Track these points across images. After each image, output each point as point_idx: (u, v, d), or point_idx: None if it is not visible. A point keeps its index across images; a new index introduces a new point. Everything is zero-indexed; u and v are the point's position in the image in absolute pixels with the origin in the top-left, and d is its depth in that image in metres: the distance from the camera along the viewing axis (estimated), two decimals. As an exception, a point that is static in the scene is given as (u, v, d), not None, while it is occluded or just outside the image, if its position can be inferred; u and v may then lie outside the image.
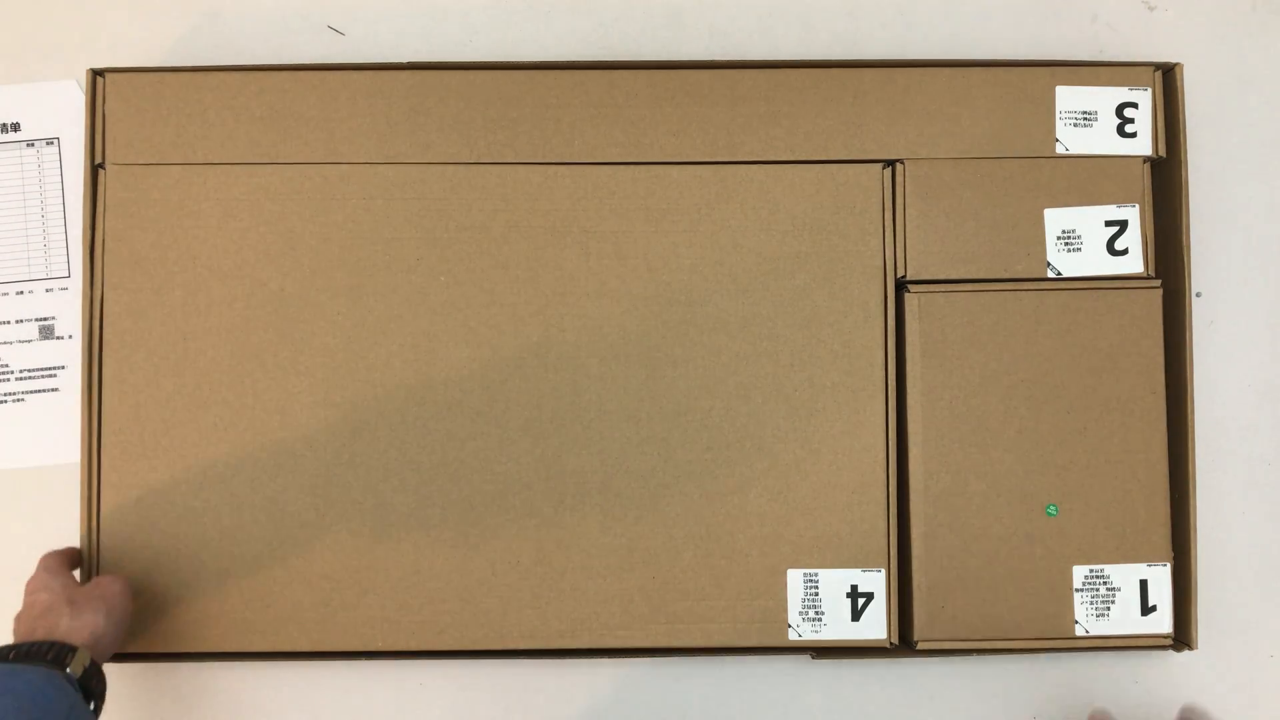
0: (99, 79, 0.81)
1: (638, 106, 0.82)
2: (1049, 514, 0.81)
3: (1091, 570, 0.81)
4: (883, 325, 0.82)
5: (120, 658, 0.80)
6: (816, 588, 0.81)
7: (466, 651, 0.81)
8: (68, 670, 0.68)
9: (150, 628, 0.80)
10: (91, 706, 0.70)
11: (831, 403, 0.82)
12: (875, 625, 0.81)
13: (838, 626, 0.81)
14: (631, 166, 0.82)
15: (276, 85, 0.82)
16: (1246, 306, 0.89)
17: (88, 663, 0.70)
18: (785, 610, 0.81)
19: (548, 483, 0.81)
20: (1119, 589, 0.81)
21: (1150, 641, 0.82)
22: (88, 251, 0.81)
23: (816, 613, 0.81)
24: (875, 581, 0.81)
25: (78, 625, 0.72)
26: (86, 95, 0.81)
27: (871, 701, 0.85)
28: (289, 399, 0.81)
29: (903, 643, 0.82)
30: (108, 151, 0.81)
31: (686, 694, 0.85)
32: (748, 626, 0.81)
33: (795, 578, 0.81)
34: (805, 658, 0.84)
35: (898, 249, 0.82)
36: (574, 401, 0.81)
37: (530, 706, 0.85)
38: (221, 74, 0.82)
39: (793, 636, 0.81)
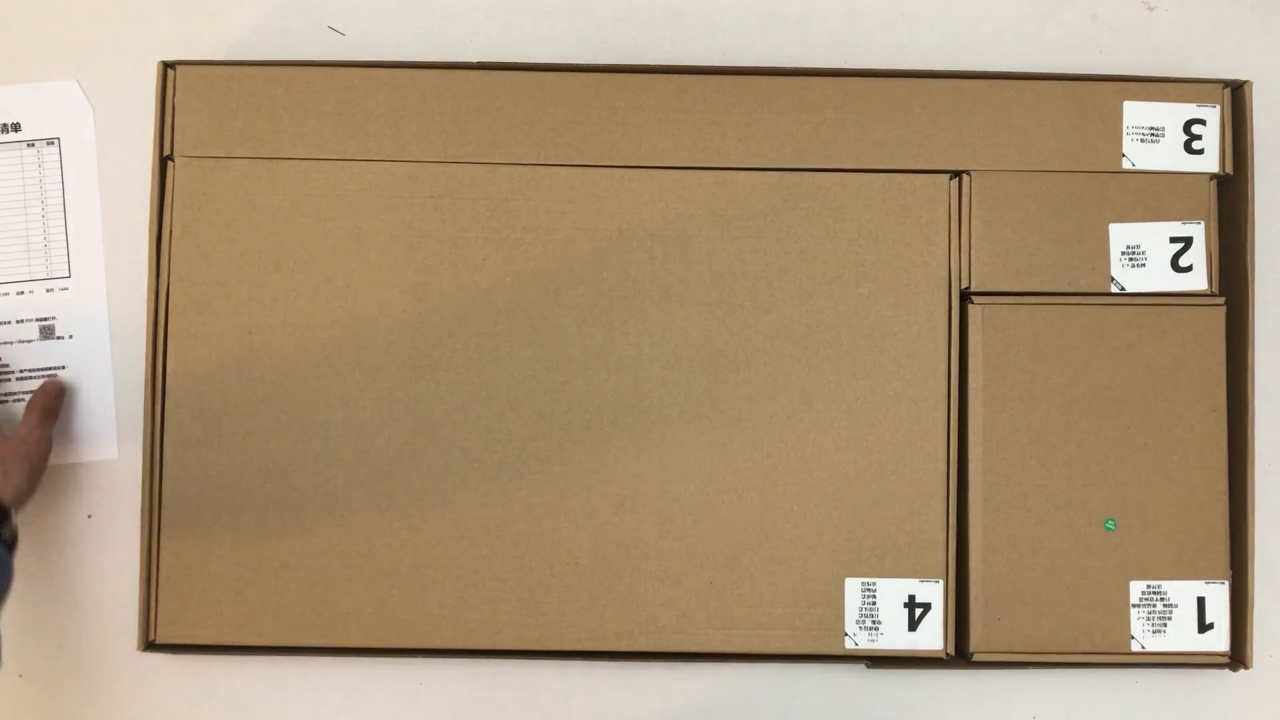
0: (170, 71, 0.81)
1: (705, 111, 0.82)
2: (1107, 529, 0.81)
3: (1149, 586, 0.81)
4: (946, 336, 0.82)
5: (172, 649, 0.81)
6: (874, 597, 0.81)
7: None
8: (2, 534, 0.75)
9: (209, 619, 0.80)
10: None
11: (893, 412, 0.82)
12: (932, 636, 0.81)
13: (894, 636, 0.81)
14: (698, 171, 0.82)
15: (346, 81, 0.82)
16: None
17: (15, 526, 0.76)
18: (842, 619, 0.81)
19: (607, 485, 0.81)
20: (1176, 605, 0.81)
21: (1207, 659, 0.82)
22: (154, 243, 0.81)
23: (873, 622, 0.81)
24: (933, 592, 0.81)
25: (7, 485, 0.77)
26: (156, 86, 0.81)
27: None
28: (352, 395, 0.81)
29: (958, 654, 0.82)
30: (176, 144, 0.81)
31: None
32: (804, 634, 0.81)
33: (853, 586, 0.81)
34: (860, 667, 0.84)
35: (962, 260, 0.82)
36: (635, 405, 0.81)
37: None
38: (291, 69, 0.82)
39: (849, 645, 0.81)
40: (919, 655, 0.82)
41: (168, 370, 0.81)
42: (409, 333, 0.81)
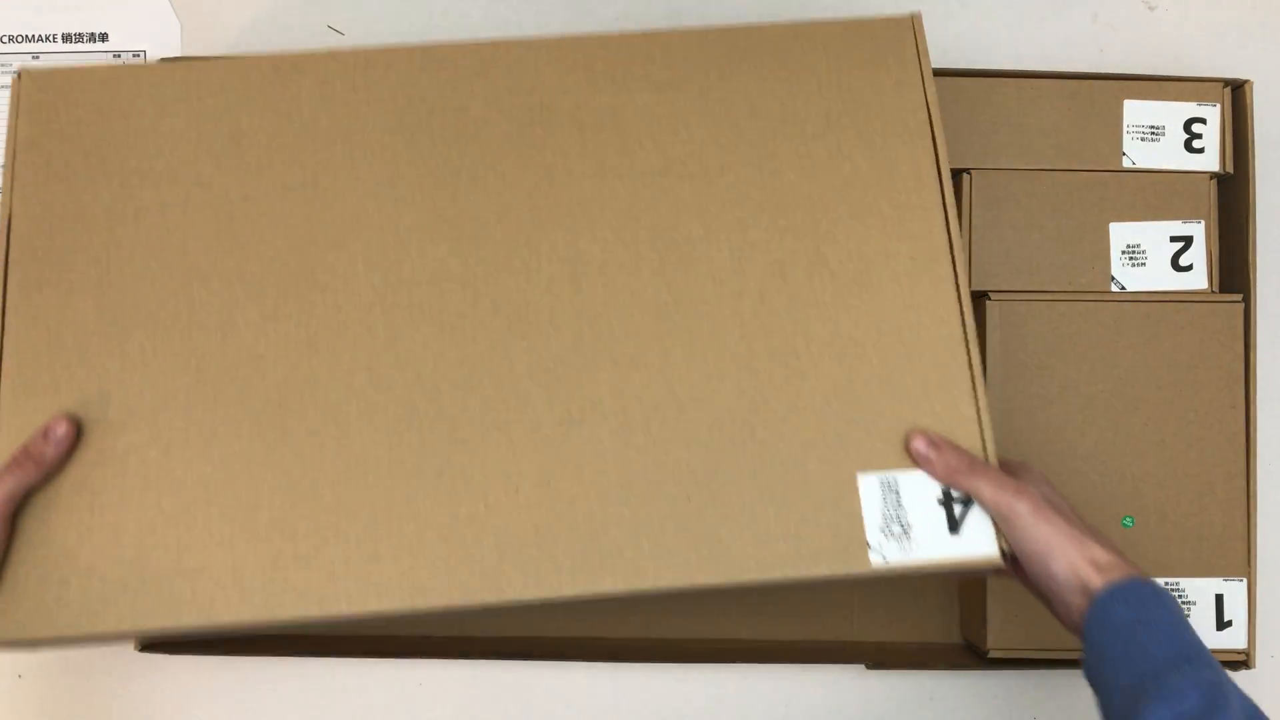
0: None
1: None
2: (1125, 525, 0.78)
3: (1167, 583, 0.78)
4: (937, 185, 0.69)
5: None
6: (898, 495, 0.64)
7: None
8: None
9: (64, 604, 0.62)
10: None
11: (887, 272, 0.67)
12: (980, 537, 0.63)
13: (932, 541, 0.63)
14: (628, 36, 0.72)
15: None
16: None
17: None
18: (861, 527, 0.63)
19: (550, 392, 0.65)
20: (1194, 603, 0.78)
21: (1226, 657, 0.76)
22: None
23: (902, 526, 0.63)
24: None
25: None
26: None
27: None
28: (230, 314, 0.66)
29: (972, 652, 0.77)
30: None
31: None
32: (815, 550, 0.63)
33: (869, 484, 0.64)
34: (860, 667, 0.80)
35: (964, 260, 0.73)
36: (575, 296, 0.67)
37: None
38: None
39: (875, 560, 0.63)
40: (970, 564, 0.63)
41: (7, 306, 0.67)
42: (297, 238, 0.68)
